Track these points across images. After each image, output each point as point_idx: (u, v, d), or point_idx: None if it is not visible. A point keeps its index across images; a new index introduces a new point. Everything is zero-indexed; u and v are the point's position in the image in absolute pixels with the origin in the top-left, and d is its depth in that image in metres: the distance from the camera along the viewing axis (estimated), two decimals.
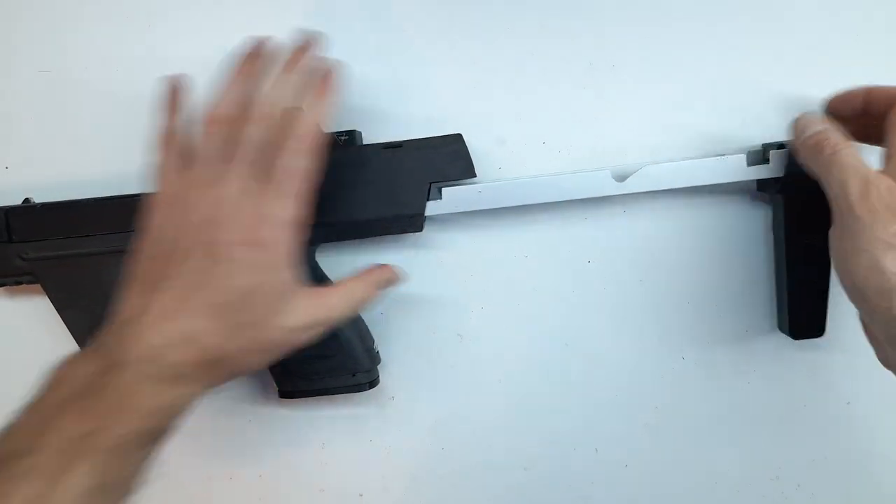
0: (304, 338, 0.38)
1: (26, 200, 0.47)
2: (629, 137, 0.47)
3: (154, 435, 0.34)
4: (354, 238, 0.45)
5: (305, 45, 0.42)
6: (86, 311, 0.44)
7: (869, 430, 0.49)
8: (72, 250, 0.44)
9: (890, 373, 0.40)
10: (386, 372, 0.48)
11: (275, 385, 0.47)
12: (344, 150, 0.44)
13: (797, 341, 0.47)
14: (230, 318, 0.35)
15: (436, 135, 0.44)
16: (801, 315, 0.46)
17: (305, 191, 0.38)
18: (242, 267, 0.35)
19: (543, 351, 0.49)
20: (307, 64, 0.41)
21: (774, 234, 0.46)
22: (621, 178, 0.44)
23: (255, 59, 0.41)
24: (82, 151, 0.47)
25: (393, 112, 0.47)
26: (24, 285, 0.46)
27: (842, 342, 0.47)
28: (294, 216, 0.37)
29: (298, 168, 0.38)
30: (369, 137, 0.47)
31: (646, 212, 0.47)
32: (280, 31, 0.46)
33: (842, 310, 0.46)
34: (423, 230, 0.45)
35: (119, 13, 0.47)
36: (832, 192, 0.36)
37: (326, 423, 0.50)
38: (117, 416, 0.32)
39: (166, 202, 0.38)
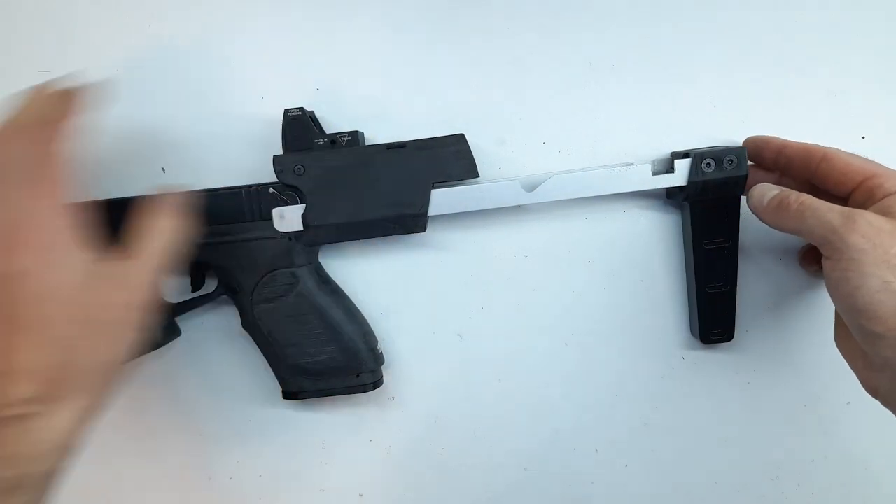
0: None
1: None
2: (629, 137, 0.47)
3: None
4: (358, 238, 0.45)
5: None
6: None
7: (869, 430, 0.49)
8: None
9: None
10: (386, 372, 0.48)
11: (277, 385, 0.47)
12: (347, 150, 0.44)
13: (797, 340, 0.47)
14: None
15: (437, 135, 0.44)
16: (710, 320, 0.46)
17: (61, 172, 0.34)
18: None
19: (543, 351, 0.49)
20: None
21: (683, 241, 0.47)
22: (531, 187, 0.44)
23: None
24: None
25: (394, 113, 0.47)
26: None
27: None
28: (53, 198, 0.34)
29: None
30: (372, 138, 0.47)
31: (646, 212, 0.47)
32: (277, 26, 0.47)
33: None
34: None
35: (119, 13, 0.47)
36: (816, 234, 0.37)
37: (326, 423, 0.50)
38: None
39: None
